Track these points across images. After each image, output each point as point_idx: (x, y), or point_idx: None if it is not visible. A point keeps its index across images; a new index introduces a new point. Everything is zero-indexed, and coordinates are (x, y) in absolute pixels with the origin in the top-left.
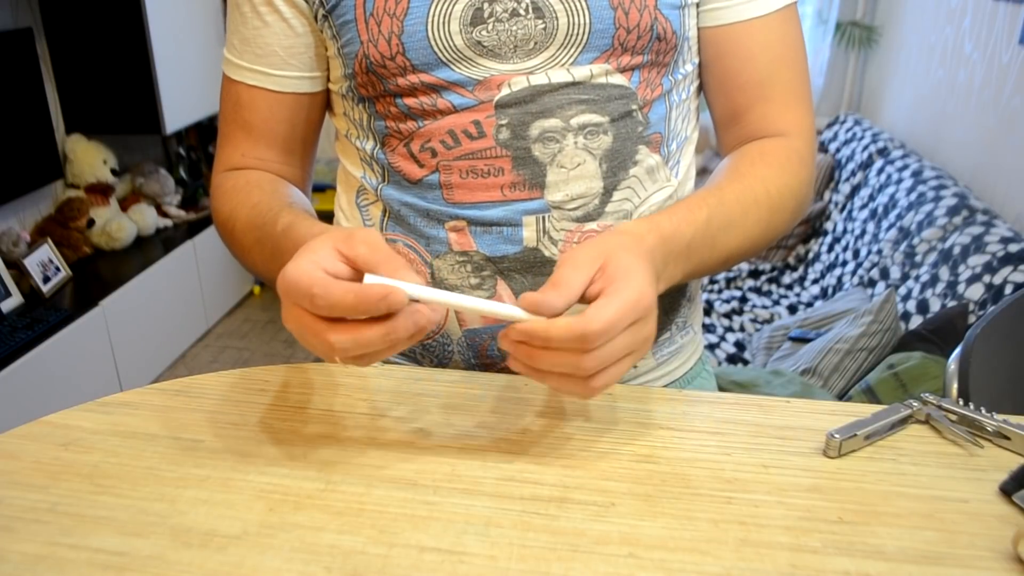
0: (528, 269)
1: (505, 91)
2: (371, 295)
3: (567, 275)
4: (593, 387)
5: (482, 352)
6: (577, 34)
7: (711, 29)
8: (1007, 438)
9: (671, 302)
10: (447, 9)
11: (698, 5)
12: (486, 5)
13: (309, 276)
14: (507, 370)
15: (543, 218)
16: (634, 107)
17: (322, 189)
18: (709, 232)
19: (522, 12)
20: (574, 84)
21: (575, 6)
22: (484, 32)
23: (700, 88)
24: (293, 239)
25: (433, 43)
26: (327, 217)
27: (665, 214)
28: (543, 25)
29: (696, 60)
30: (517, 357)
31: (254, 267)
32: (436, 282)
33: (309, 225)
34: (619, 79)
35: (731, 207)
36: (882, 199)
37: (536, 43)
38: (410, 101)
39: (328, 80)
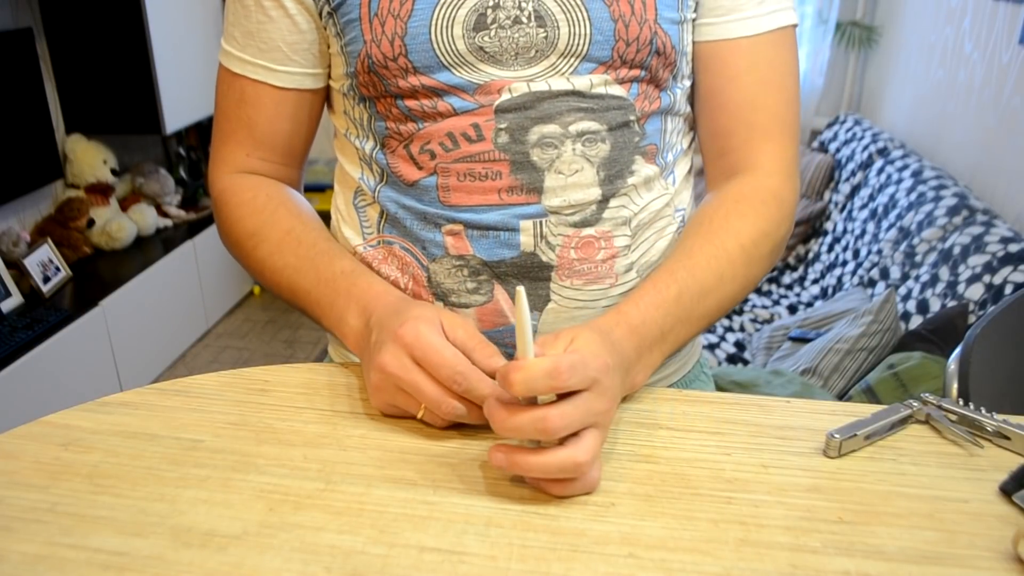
0: (525, 274)
1: (505, 96)
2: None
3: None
4: (575, 459)
5: None
6: (577, 44)
7: (700, 44)
8: (1007, 438)
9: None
10: (451, 13)
11: (694, 20)
12: (489, 11)
13: (454, 354)
14: None
15: (540, 223)
16: (632, 118)
17: (321, 189)
18: (681, 307)
19: (524, 20)
20: (574, 92)
21: (577, 16)
22: (487, 38)
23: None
24: (362, 287)
25: (436, 46)
26: (326, 218)
27: (632, 302)
28: (544, 34)
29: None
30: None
31: (276, 286)
32: (432, 286)
33: (381, 283)
34: (617, 90)
35: (703, 275)
36: (882, 199)
37: (537, 51)
38: (411, 103)
39: (329, 77)
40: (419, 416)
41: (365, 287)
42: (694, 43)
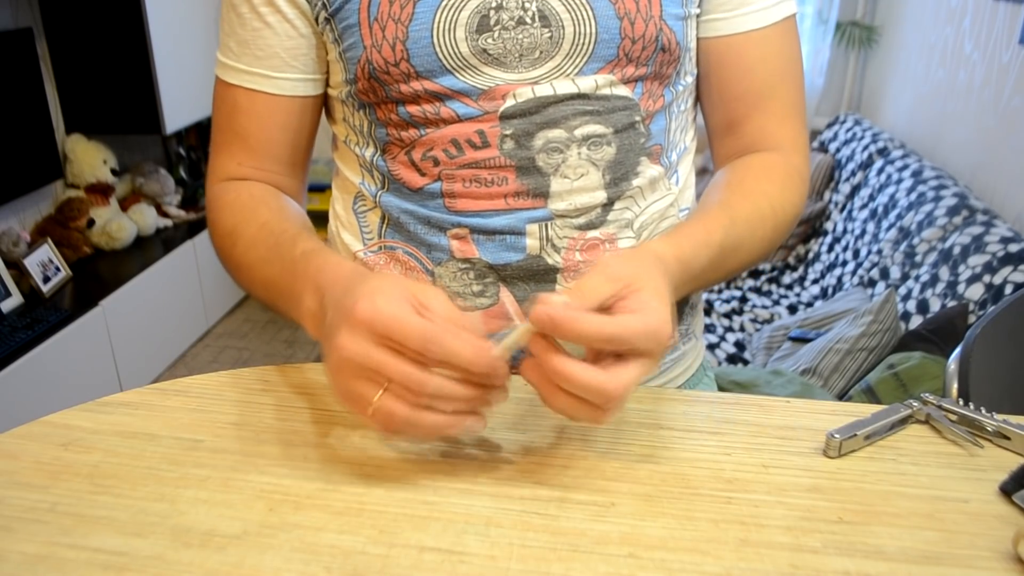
0: (531, 277)
1: (510, 102)
2: (489, 356)
3: (594, 284)
4: (605, 417)
5: None
6: (583, 44)
7: (710, 40)
8: (1007, 438)
9: (674, 310)
10: (453, 16)
11: (698, 16)
12: (492, 13)
13: (421, 321)
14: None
15: (546, 225)
16: (637, 118)
17: (321, 189)
18: (722, 255)
19: (528, 20)
20: (579, 96)
21: (582, 15)
22: (490, 40)
23: (698, 99)
24: (316, 264)
25: (438, 50)
26: (326, 217)
27: (686, 236)
28: (549, 34)
29: (696, 71)
30: (532, 373)
31: (250, 283)
32: None
33: (336, 260)
34: (623, 91)
35: (741, 228)
36: (882, 199)
37: (542, 52)
38: (412, 108)
39: (327, 84)
40: (370, 412)
41: (320, 264)
42: (705, 39)
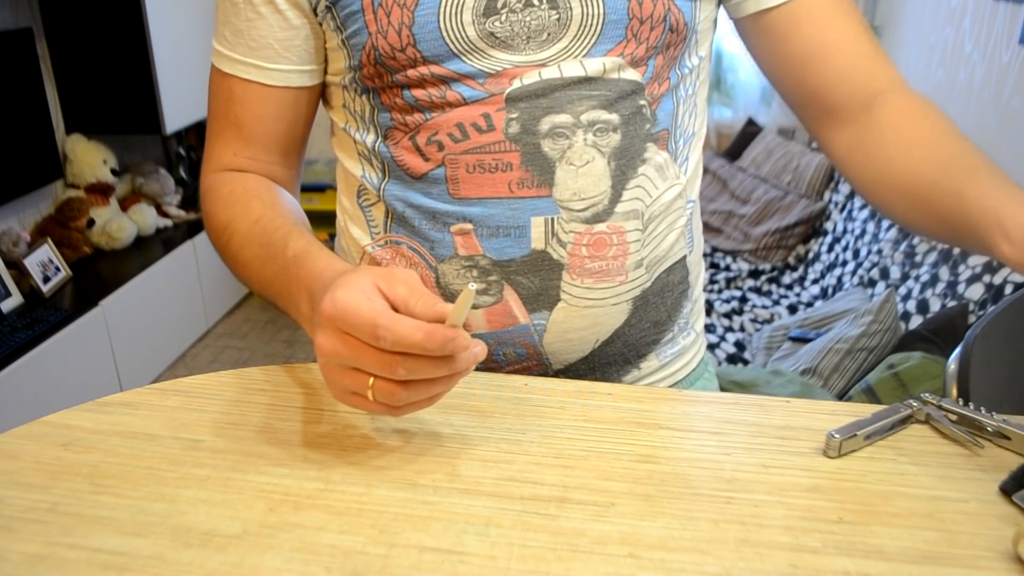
0: (536, 272)
1: (516, 84)
2: (440, 335)
3: None
4: None
5: (487, 357)
6: (591, 24)
7: (781, 8)
8: (1007, 438)
9: (673, 303)
10: (459, 0)
11: None
12: None
13: (371, 308)
14: (510, 372)
15: (551, 220)
16: (643, 103)
17: (322, 189)
18: None
19: (536, 2)
20: (586, 79)
21: None
22: (497, 23)
23: (705, 84)
24: (308, 268)
25: (445, 34)
26: (326, 217)
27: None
28: (557, 16)
29: (702, 54)
30: None
31: (248, 280)
32: (441, 287)
33: (327, 259)
34: (630, 74)
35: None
36: None
37: (549, 34)
38: (418, 93)
39: (325, 73)
40: (370, 397)
41: (310, 267)
42: (770, 10)
